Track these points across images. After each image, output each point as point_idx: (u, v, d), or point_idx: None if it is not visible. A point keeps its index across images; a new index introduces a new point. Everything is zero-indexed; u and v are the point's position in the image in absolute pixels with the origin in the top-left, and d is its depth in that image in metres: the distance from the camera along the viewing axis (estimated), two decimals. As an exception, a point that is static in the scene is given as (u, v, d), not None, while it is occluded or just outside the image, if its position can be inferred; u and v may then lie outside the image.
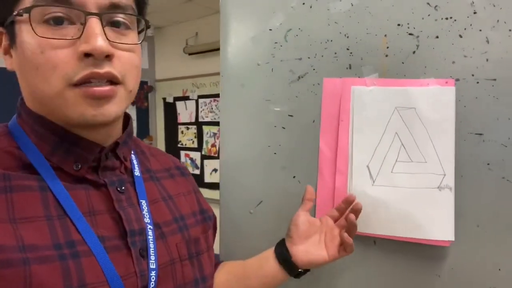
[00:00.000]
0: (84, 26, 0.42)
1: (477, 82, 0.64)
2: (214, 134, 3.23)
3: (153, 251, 0.48)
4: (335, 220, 0.66)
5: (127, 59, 0.46)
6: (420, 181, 0.65)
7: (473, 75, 0.65)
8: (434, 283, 0.66)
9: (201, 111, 3.30)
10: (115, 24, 0.45)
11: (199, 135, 3.32)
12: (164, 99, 3.49)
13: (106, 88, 0.44)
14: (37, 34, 0.42)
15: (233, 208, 0.67)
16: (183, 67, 3.27)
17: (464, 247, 0.65)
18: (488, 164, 0.64)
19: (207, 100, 3.25)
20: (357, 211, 0.64)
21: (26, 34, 0.43)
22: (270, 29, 0.74)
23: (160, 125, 3.58)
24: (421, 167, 0.65)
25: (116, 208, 0.47)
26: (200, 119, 3.31)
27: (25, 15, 0.42)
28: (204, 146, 3.28)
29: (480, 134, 0.65)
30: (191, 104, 3.36)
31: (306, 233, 0.64)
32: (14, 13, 0.43)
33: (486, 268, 0.64)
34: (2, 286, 0.38)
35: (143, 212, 0.50)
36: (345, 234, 0.62)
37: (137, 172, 0.53)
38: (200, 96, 3.29)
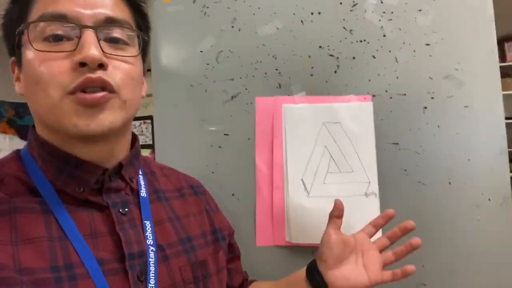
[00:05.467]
0: (80, 39, 0.43)
1: (390, 97, 0.72)
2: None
3: (153, 274, 0.47)
4: (370, 236, 0.60)
5: (123, 69, 0.46)
6: (349, 190, 0.70)
7: (386, 91, 0.72)
8: (368, 284, 0.71)
9: (130, 135, 3.18)
10: (112, 41, 0.46)
11: (130, 160, 3.18)
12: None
13: (99, 94, 0.44)
14: (35, 49, 0.43)
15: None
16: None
17: (391, 247, 0.70)
18: (405, 170, 0.71)
19: (137, 122, 3.15)
20: (406, 230, 0.58)
21: (28, 53, 0.45)
22: (201, 51, 0.76)
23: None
24: (349, 177, 0.71)
25: (117, 230, 0.47)
26: (130, 143, 3.18)
27: (26, 32, 0.44)
28: (136, 170, 3.16)
29: (396, 143, 0.72)
30: (119, 128, 3.22)
31: (341, 254, 0.57)
32: (16, 32, 0.45)
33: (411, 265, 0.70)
34: None
35: (146, 234, 0.49)
36: (410, 267, 0.56)
37: (143, 193, 0.53)
38: (129, 119, 3.17)
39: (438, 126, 0.71)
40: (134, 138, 0.55)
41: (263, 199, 0.73)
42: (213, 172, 0.76)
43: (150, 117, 3.07)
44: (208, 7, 0.75)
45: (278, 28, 0.74)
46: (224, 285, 0.58)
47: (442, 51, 0.72)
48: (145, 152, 3.12)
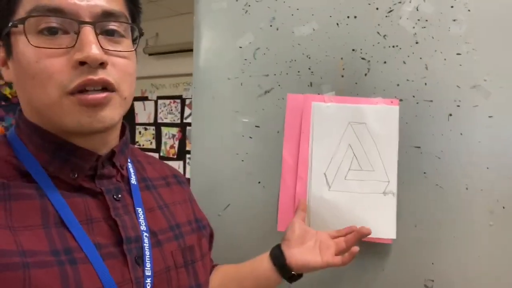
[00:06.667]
0: (78, 35, 0.43)
1: (417, 103, 0.75)
2: (173, 135, 3.23)
3: (148, 258, 0.48)
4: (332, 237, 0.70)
5: (122, 66, 0.46)
6: (368, 187, 0.75)
7: (414, 97, 0.75)
8: (379, 276, 0.76)
9: (160, 112, 3.29)
10: (108, 33, 0.46)
11: (158, 136, 3.30)
12: (121, 98, 3.43)
13: (102, 95, 0.44)
14: (32, 45, 0.42)
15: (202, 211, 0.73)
16: (142, 67, 3.22)
17: (404, 244, 0.75)
18: (425, 173, 0.75)
19: (167, 101, 3.25)
20: (362, 235, 0.68)
21: (22, 45, 0.43)
22: (240, 47, 0.81)
23: (117, 125, 3.51)
24: (370, 175, 0.75)
25: (112, 216, 0.48)
26: (159, 120, 3.30)
27: (20, 26, 0.43)
28: (163, 147, 3.27)
29: (418, 147, 0.75)
30: (149, 105, 3.34)
31: (301, 238, 0.68)
32: (9, 24, 0.44)
33: (422, 262, 0.75)
34: None
35: (139, 220, 0.50)
36: (355, 248, 0.66)
37: (133, 181, 0.54)
38: (159, 97, 3.28)
39: (461, 134, 0.74)
40: (124, 125, 0.55)
41: (287, 189, 0.79)
42: (242, 161, 0.82)
43: (180, 97, 3.16)
44: (249, 6, 0.80)
45: (314, 29, 0.78)
46: (208, 269, 0.61)
47: (472, 62, 0.74)
48: (173, 131, 3.22)
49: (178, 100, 3.18)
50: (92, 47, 0.42)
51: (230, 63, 0.81)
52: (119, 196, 0.50)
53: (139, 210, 0.51)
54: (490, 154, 0.73)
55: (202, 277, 0.57)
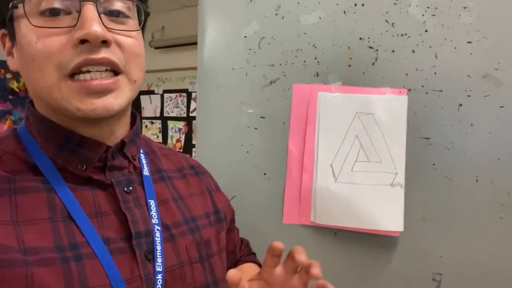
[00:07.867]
0: (80, 14, 0.41)
1: (426, 93, 0.74)
2: (180, 129, 3.23)
3: (160, 254, 0.46)
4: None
5: (128, 45, 0.44)
6: (375, 179, 0.73)
7: (423, 86, 0.74)
8: (387, 269, 0.75)
9: (166, 106, 3.29)
10: (113, 14, 0.44)
11: (164, 130, 3.31)
12: (128, 92, 3.43)
13: (107, 81, 0.42)
14: (32, 24, 0.41)
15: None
16: (148, 61, 3.20)
17: (412, 237, 0.74)
18: (434, 164, 0.73)
19: (173, 95, 3.24)
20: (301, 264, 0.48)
21: (24, 28, 0.42)
22: (245, 36, 0.79)
23: (123, 119, 3.52)
24: (377, 167, 0.74)
25: (122, 209, 0.46)
26: (165, 114, 3.30)
27: (20, 6, 0.41)
28: (169, 141, 3.28)
29: (428, 138, 0.74)
30: (156, 99, 3.34)
31: None
32: (10, 5, 0.42)
33: (430, 256, 0.73)
34: (3, 286, 0.37)
35: (151, 213, 0.48)
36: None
37: (146, 172, 0.52)
38: (165, 91, 3.28)
39: (471, 124, 0.72)
40: (134, 115, 0.54)
41: (293, 181, 0.78)
42: (247, 152, 0.81)
43: (186, 90, 3.16)
44: (254, -6, 0.78)
45: (320, 18, 0.76)
46: (225, 264, 0.58)
47: (483, 50, 0.72)
48: (180, 124, 3.22)
49: (184, 94, 3.18)
50: (93, 24, 0.40)
51: (235, 53, 0.80)
52: (130, 188, 0.48)
53: (151, 202, 0.49)
54: (501, 145, 0.71)
55: (219, 273, 0.54)
